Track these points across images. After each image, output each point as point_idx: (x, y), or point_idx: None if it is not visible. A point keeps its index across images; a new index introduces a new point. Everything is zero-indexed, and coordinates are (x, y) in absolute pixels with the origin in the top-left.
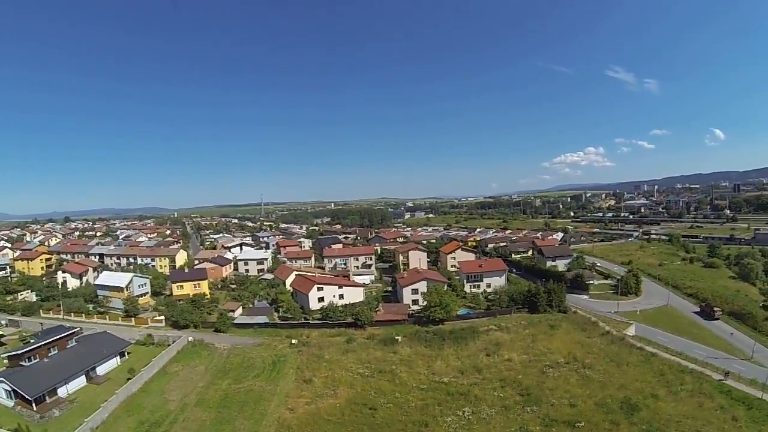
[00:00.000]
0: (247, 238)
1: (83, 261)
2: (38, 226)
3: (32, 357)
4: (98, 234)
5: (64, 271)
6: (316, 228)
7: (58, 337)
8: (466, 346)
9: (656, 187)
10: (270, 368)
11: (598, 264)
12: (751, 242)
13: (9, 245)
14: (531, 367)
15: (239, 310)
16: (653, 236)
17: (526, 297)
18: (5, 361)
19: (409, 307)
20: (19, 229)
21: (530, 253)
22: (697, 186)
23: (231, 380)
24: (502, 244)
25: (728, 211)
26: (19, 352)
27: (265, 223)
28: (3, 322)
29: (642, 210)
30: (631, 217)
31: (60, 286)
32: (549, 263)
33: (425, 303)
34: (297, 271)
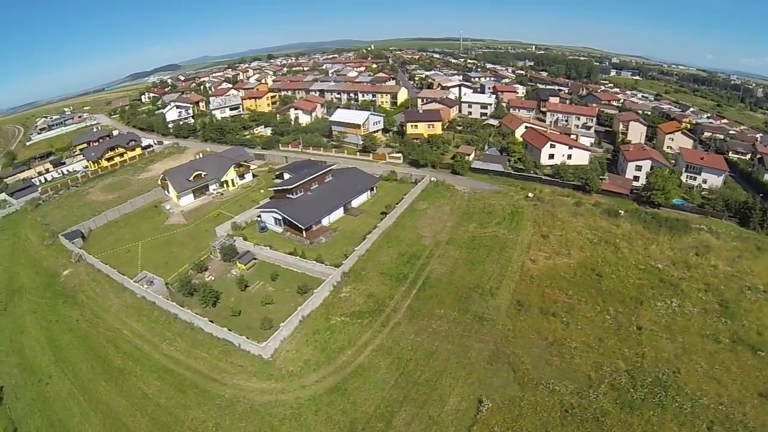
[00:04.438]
0: (456, 77)
1: (311, 98)
2: (246, 65)
3: (298, 190)
4: (305, 69)
5: (296, 108)
6: (524, 72)
7: (319, 172)
8: (679, 238)
9: None
10: (509, 218)
11: None
12: None
13: (231, 85)
14: (732, 281)
15: (472, 155)
16: None
17: (741, 206)
18: (271, 192)
19: (631, 183)
20: (230, 69)
21: (749, 157)
22: None
23: (476, 224)
24: (719, 136)
25: None
26: (289, 186)
27: (469, 61)
28: (252, 155)
29: None
30: None
31: (293, 122)
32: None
33: (647, 183)
34: (526, 122)
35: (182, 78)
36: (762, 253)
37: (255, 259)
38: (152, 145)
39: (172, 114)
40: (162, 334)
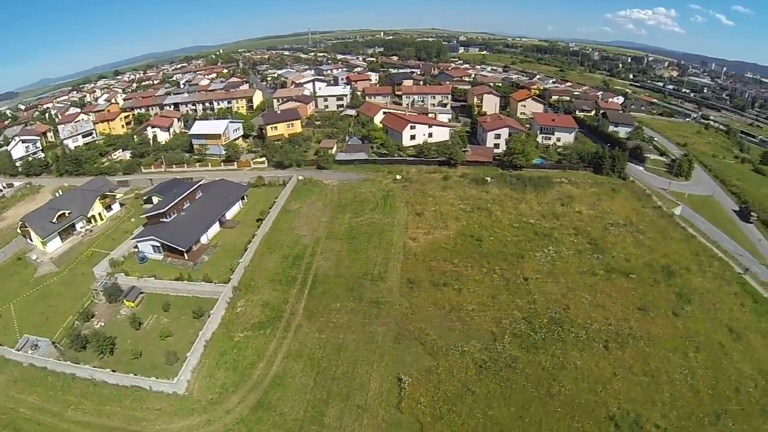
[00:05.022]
0: (308, 72)
1: (167, 113)
2: (92, 85)
3: (171, 212)
4: (155, 82)
5: (152, 126)
6: (374, 60)
7: (189, 190)
8: (544, 193)
9: (725, 69)
10: (382, 202)
11: (656, 138)
12: None
13: (79, 109)
14: (596, 221)
15: (335, 148)
16: (711, 123)
17: (593, 157)
18: (144, 219)
19: (493, 151)
20: (75, 92)
21: (593, 113)
22: None
23: (351, 214)
24: (566, 98)
25: None
26: (160, 210)
27: (319, 54)
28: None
29: (705, 90)
30: (692, 95)
31: (151, 142)
32: (611, 128)
33: (507, 148)
34: (383, 108)
35: (22, 107)
36: (616, 194)
37: (142, 293)
38: (1, 190)
39: (18, 150)
40: (64, 401)
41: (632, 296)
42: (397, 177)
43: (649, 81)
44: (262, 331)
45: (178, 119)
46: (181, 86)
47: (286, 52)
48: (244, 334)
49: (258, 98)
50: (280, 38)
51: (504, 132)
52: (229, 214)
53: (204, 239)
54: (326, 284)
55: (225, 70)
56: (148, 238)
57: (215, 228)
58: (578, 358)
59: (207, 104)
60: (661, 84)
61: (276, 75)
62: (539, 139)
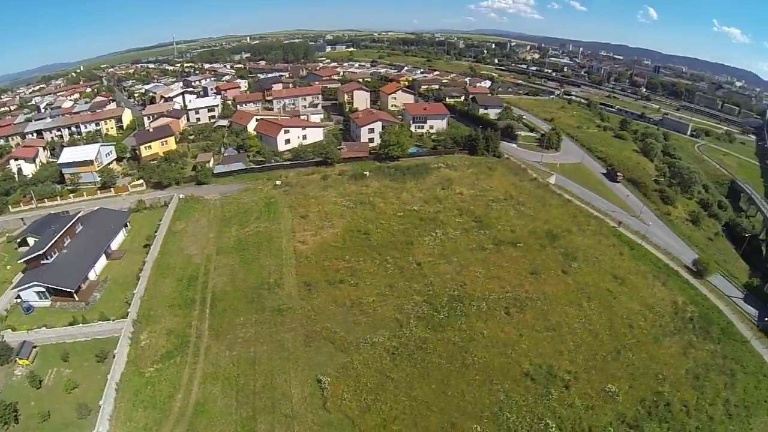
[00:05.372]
0: (176, 84)
1: (30, 142)
2: None
3: (52, 252)
4: (12, 108)
5: (15, 159)
6: (242, 66)
7: (68, 225)
8: (424, 180)
9: (581, 49)
10: (266, 210)
11: (524, 117)
12: (658, 124)
13: None
14: (478, 200)
15: (212, 161)
16: (573, 98)
17: (467, 140)
18: (22, 264)
19: (368, 146)
20: None
21: (463, 98)
22: (621, 58)
23: (237, 226)
24: (435, 87)
25: (644, 90)
26: (40, 251)
27: (185, 65)
28: None
29: (565, 69)
30: (553, 74)
31: (17, 176)
32: (482, 111)
33: (382, 142)
34: (256, 115)
35: None
36: (494, 172)
37: (35, 346)
38: None
39: None
40: None
41: (523, 263)
42: (277, 183)
43: (513, 64)
44: (173, 361)
45: (44, 148)
46: (42, 110)
47: (152, 65)
48: (154, 368)
49: (127, 117)
50: (144, 51)
51: (377, 126)
52: (114, 245)
53: (92, 275)
54: (226, 300)
55: (88, 89)
56: (30, 284)
57: (102, 261)
58: (484, 328)
59: (73, 128)
60: (524, 66)
61: (143, 90)
62: (413, 128)
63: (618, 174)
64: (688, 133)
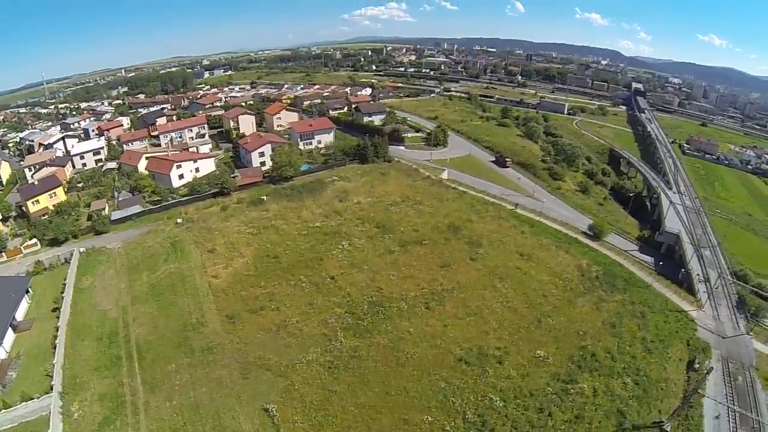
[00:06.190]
0: (54, 128)
1: None
2: None
3: None
4: None
5: None
6: (122, 102)
7: None
8: (321, 196)
9: (456, 46)
10: (173, 250)
11: (409, 119)
12: (537, 107)
13: None
14: (377, 206)
15: (107, 208)
16: (454, 94)
17: (356, 150)
18: None
19: (261, 169)
20: None
21: (346, 109)
22: (494, 50)
23: (147, 272)
24: (317, 101)
25: (520, 78)
26: None
27: (60, 106)
28: None
29: (442, 67)
30: (432, 73)
31: None
32: (366, 119)
33: (274, 164)
34: (145, 153)
35: None
36: (387, 177)
37: None
38: None
39: None
40: None
41: (432, 259)
42: (178, 220)
43: (391, 68)
44: (113, 426)
45: None
46: None
47: (23, 110)
48: None
49: (6, 171)
50: (11, 93)
51: (267, 149)
52: (20, 315)
53: (1, 353)
54: (153, 350)
55: None
56: None
57: (10, 335)
58: (409, 326)
59: None
60: (402, 69)
61: (18, 139)
62: (301, 146)
63: (506, 160)
64: (566, 112)
